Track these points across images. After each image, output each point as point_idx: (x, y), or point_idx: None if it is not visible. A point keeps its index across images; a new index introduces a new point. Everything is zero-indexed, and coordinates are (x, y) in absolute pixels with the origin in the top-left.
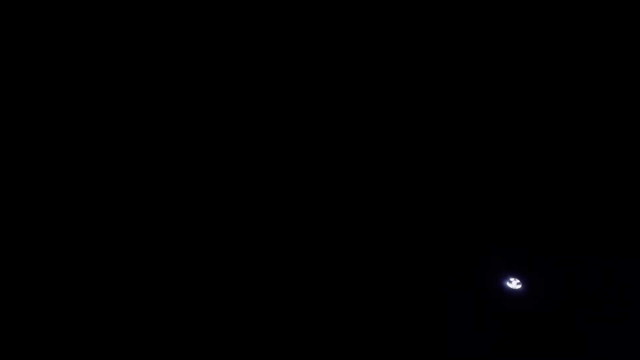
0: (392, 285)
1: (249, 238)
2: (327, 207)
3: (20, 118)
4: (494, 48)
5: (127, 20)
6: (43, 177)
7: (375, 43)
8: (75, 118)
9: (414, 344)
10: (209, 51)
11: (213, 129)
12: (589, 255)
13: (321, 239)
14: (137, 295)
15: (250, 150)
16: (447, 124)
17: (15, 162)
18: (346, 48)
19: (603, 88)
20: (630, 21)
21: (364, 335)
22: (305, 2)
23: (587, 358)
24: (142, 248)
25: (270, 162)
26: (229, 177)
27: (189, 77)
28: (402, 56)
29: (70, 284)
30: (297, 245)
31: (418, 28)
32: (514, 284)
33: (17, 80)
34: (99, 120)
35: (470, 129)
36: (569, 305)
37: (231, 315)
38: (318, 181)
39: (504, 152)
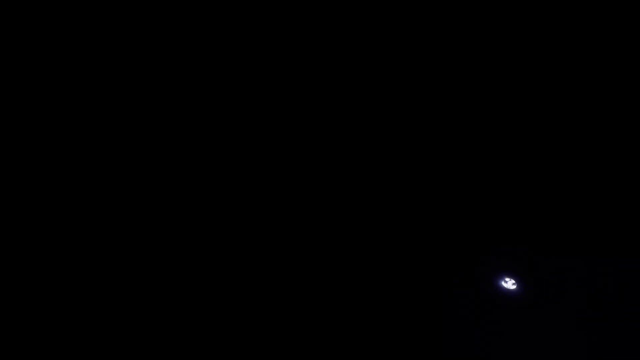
0: (392, 285)
1: (249, 238)
2: (327, 208)
3: (20, 118)
4: (494, 48)
5: (127, 20)
6: (43, 177)
7: (375, 43)
8: (75, 118)
9: (414, 344)
10: (209, 51)
11: (213, 129)
12: (589, 255)
13: (322, 239)
14: (137, 295)
15: (250, 151)
16: (447, 124)
17: (15, 162)
18: (346, 48)
19: (603, 88)
20: (630, 21)
21: (364, 335)
22: (305, 2)
23: (587, 358)
24: (142, 248)
25: (270, 162)
26: (229, 177)
27: (189, 77)
28: (403, 56)
29: (70, 284)
30: (297, 245)
31: (418, 28)
32: (509, 284)
33: (17, 80)
34: (99, 120)
35: (470, 129)
36: (569, 305)
37: (231, 315)
38: (318, 182)
39: (504, 152)
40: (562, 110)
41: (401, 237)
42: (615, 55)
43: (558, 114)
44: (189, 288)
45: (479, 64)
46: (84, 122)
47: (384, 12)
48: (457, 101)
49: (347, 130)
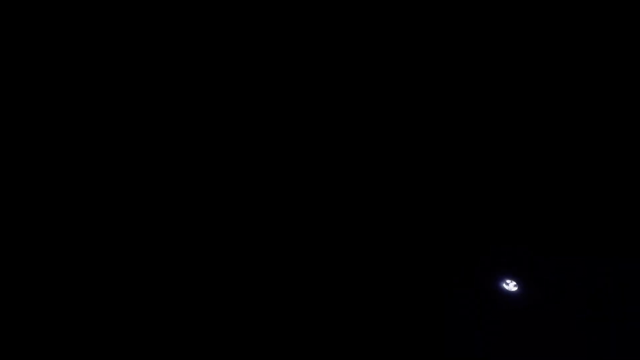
0: (392, 286)
1: (249, 238)
2: (327, 208)
3: (20, 118)
4: (494, 48)
5: (127, 20)
6: (43, 177)
7: (375, 43)
8: (75, 118)
9: (414, 344)
10: (209, 51)
11: (213, 129)
12: (589, 255)
13: (322, 240)
14: (137, 296)
15: (250, 151)
16: (447, 124)
17: (16, 162)
18: (346, 48)
19: (603, 88)
20: (630, 21)
21: (364, 335)
22: (305, 2)
23: (587, 358)
24: (142, 248)
25: (270, 163)
26: (230, 178)
27: (189, 78)
28: (403, 56)
29: (70, 284)
30: (298, 245)
31: (418, 28)
32: (510, 286)
33: (17, 80)
34: (99, 120)
35: (470, 129)
36: (569, 305)
37: (231, 315)
38: (318, 182)
39: (504, 152)
40: (562, 111)
41: (401, 237)
42: (615, 55)
43: (558, 114)
44: (189, 288)
45: (479, 63)
46: (83, 122)
47: (383, 12)
48: (457, 101)
49: (347, 131)
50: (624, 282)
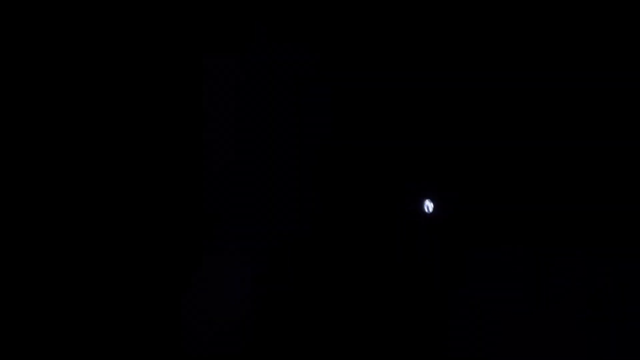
0: (392, 285)
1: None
2: (325, 207)
3: (20, 118)
4: (493, 47)
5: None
6: (43, 177)
7: (375, 42)
8: (75, 118)
9: (414, 344)
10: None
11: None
12: (589, 255)
13: (320, 239)
14: (137, 295)
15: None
16: (447, 123)
17: (15, 162)
18: (346, 47)
19: (603, 88)
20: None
21: (364, 335)
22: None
23: (587, 358)
24: (142, 248)
25: (269, 161)
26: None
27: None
28: (401, 55)
29: (70, 284)
30: (296, 245)
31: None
32: (428, 207)
33: (17, 80)
34: (99, 120)
35: (469, 129)
36: (569, 305)
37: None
38: (316, 181)
39: (504, 152)
40: (561, 110)
41: (401, 236)
42: (615, 55)
43: (557, 114)
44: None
45: (478, 63)
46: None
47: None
48: (457, 101)
49: (346, 130)
50: (624, 282)
